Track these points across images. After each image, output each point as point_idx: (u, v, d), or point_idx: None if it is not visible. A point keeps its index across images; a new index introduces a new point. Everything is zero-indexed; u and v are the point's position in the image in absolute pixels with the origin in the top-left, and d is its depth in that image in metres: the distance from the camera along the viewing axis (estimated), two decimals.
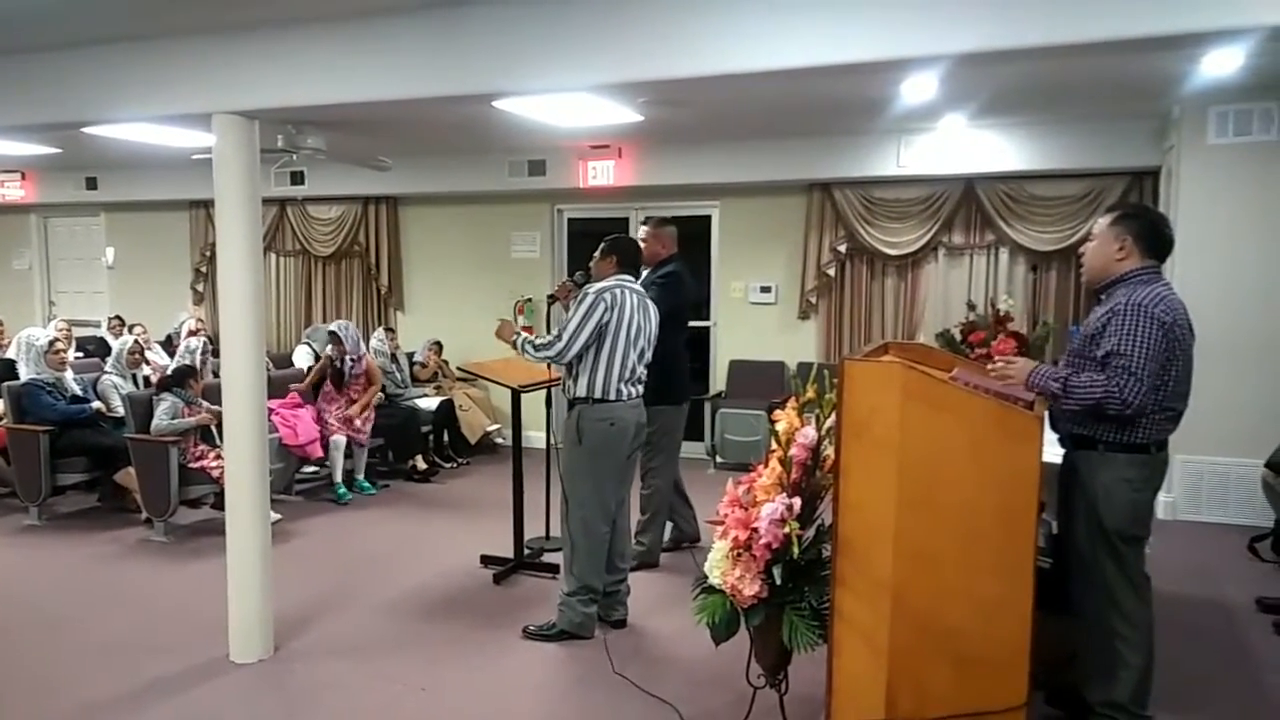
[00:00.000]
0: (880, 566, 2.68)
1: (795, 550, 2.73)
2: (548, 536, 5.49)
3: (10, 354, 7.36)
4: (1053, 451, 2.97)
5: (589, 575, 4.11)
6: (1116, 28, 2.65)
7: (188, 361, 6.52)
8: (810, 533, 2.93)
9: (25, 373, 6.50)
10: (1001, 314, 6.47)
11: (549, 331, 4.14)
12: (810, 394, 3.05)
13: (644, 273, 5.01)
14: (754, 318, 7.97)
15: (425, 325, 8.86)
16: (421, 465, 7.40)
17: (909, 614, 2.66)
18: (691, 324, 7.87)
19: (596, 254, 4.25)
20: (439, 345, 8.41)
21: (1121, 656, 2.96)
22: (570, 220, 8.62)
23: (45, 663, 3.95)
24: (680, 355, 5.11)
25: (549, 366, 4.41)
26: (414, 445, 7.47)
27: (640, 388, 4.18)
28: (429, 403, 7.82)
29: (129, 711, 3.53)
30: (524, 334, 4.21)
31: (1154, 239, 3.00)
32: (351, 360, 6.94)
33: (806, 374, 6.97)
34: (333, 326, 7.10)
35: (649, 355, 4.20)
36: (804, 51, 3.02)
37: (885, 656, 2.70)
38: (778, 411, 3.12)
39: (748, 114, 6.15)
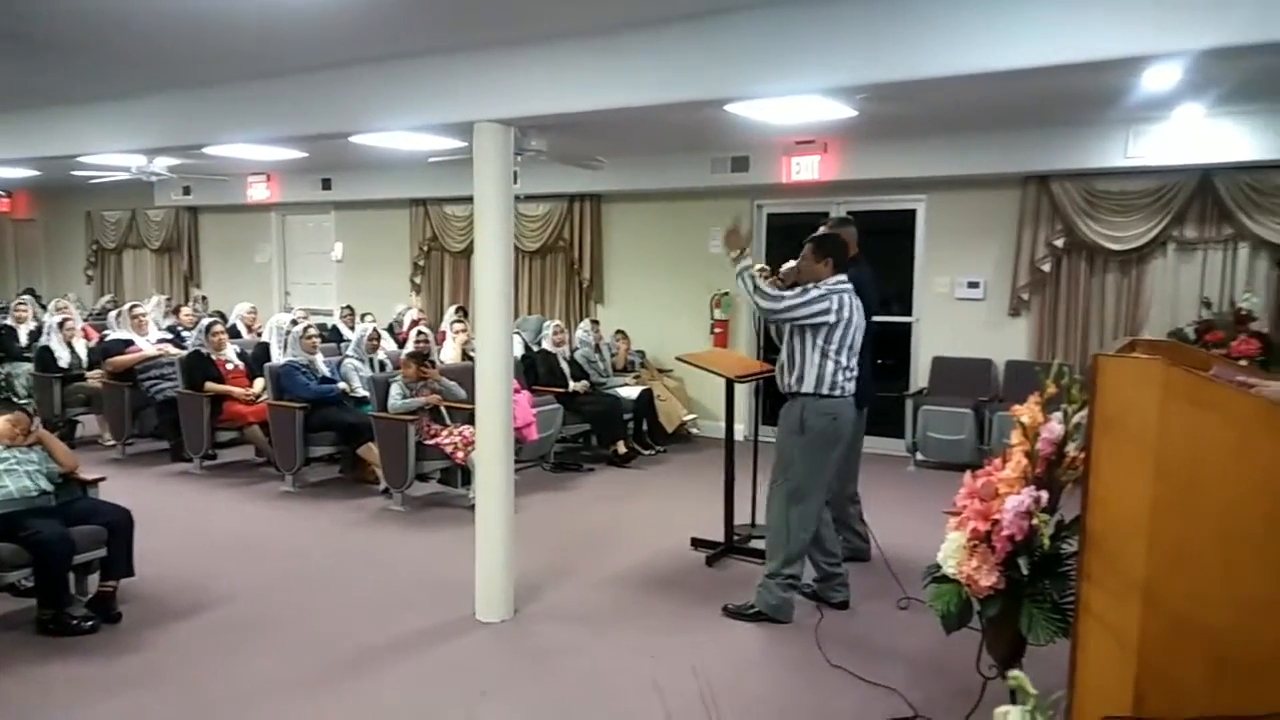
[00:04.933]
0: (1132, 564, 2.66)
1: (1045, 542, 2.75)
2: (753, 524, 5.64)
3: (265, 338, 8.25)
4: None
5: (793, 561, 4.23)
6: None
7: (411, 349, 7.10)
8: (1050, 527, 2.94)
9: (278, 354, 7.27)
10: (1243, 313, 6.11)
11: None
12: (1052, 389, 3.05)
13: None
14: (959, 314, 7.81)
15: (623, 318, 9.20)
16: (622, 450, 7.72)
17: (1163, 612, 2.63)
18: (891, 319, 7.90)
19: (807, 252, 4.24)
20: (623, 334, 8.81)
21: None
22: (770, 215, 8.72)
23: (320, 612, 4.45)
24: (863, 360, 5.03)
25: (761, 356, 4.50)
26: (616, 431, 7.81)
27: (854, 384, 4.25)
28: (630, 391, 8.16)
29: (398, 657, 3.95)
30: (750, 262, 4.20)
31: None
32: None
33: (1016, 372, 6.79)
34: None
35: (859, 352, 4.26)
36: (1042, 50, 3.01)
37: (1134, 653, 2.67)
38: (1017, 407, 3.13)
39: (964, 106, 6.06)
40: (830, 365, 4.11)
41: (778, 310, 4.12)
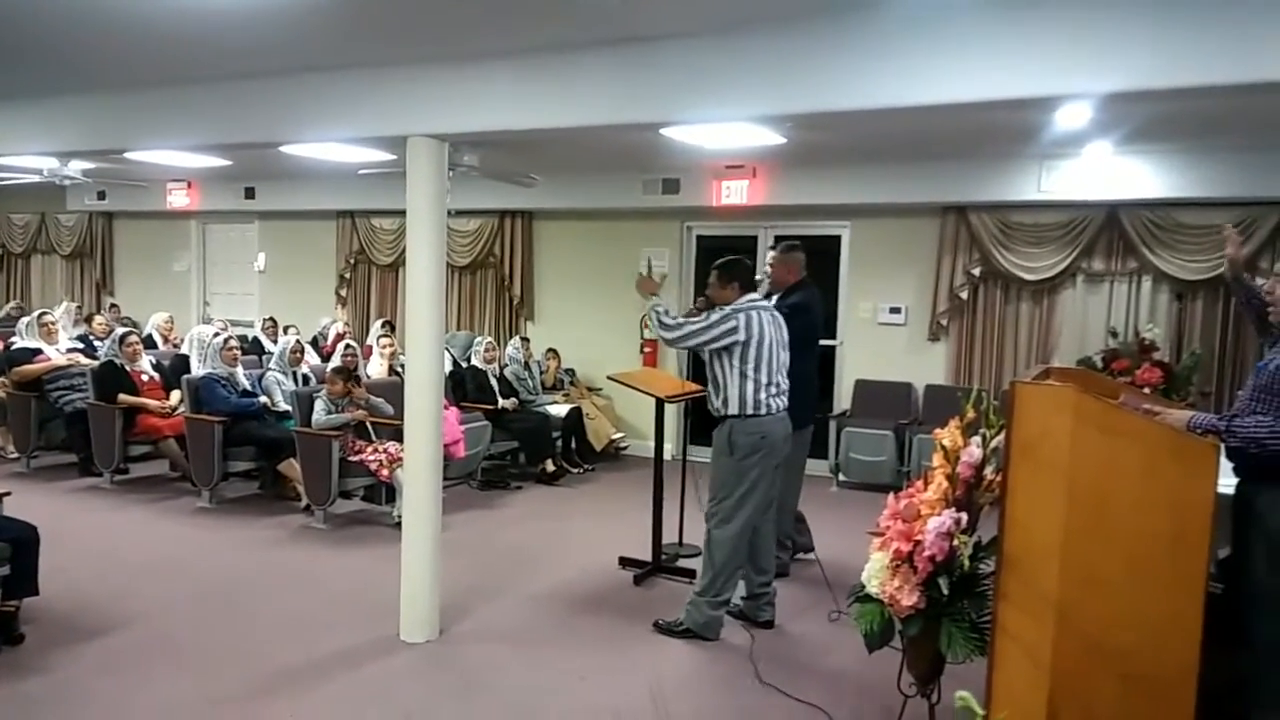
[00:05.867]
0: (1046, 584, 2.77)
1: (965, 562, 2.84)
2: (681, 543, 5.68)
3: (184, 350, 8.01)
4: (1224, 481, 2.99)
5: (723, 581, 4.28)
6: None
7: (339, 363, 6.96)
8: (969, 548, 3.04)
9: (198, 366, 7.07)
10: (1146, 342, 6.41)
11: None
12: (971, 414, 3.16)
13: (772, 299, 5.15)
14: (882, 338, 8.01)
15: (553, 335, 9.19)
16: (551, 469, 7.69)
17: (1075, 632, 2.74)
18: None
19: (712, 279, 4.39)
20: (554, 352, 8.80)
21: None
22: (700, 237, 8.82)
23: (237, 633, 4.33)
24: (810, 381, 5.16)
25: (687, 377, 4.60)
26: (545, 449, 7.78)
27: (784, 400, 4.33)
28: (559, 409, 8.15)
29: (319, 680, 3.87)
30: (659, 299, 4.38)
31: None
32: None
33: (935, 396, 6.99)
34: None
35: (787, 365, 4.36)
36: (959, 88, 3.13)
37: (1048, 672, 2.78)
38: (939, 430, 3.24)
39: (888, 137, 6.25)
40: (750, 385, 4.18)
41: (674, 338, 4.25)
